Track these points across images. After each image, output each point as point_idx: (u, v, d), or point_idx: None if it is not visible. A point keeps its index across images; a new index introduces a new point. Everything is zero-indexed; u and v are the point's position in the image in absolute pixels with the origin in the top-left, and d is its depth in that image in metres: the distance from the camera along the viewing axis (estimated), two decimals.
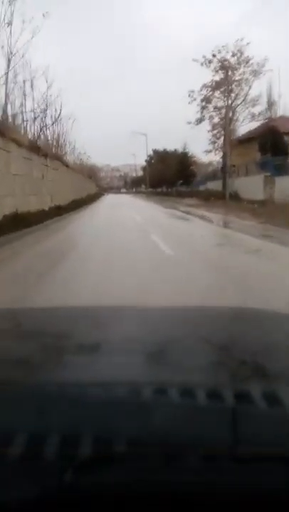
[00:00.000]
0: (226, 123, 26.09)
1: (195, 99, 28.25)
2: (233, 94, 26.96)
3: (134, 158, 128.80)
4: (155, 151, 67.64)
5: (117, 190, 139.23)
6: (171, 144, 77.38)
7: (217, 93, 27.72)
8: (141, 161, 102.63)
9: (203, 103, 28.21)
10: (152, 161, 67.75)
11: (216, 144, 28.99)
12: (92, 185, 57.74)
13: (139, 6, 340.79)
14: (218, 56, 26.10)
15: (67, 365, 0.62)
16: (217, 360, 0.64)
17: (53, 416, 0.43)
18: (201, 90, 27.88)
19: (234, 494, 0.37)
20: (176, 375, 0.55)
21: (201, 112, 28.70)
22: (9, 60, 15.77)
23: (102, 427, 0.42)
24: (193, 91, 28.11)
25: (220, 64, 26.14)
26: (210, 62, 26.21)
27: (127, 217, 17.15)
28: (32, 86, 19.79)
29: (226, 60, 26.10)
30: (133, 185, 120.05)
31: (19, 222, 11.30)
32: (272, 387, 0.51)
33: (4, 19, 15.22)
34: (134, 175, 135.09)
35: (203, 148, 53.57)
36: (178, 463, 0.38)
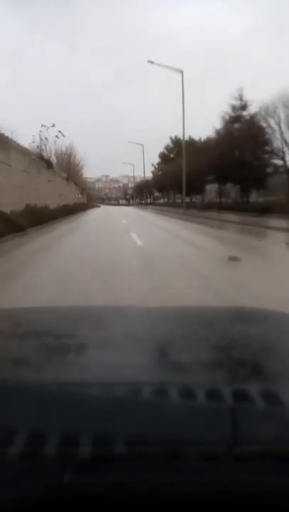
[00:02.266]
0: None
1: None
2: None
3: (133, 169, 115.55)
4: (176, 140, 48.67)
5: (115, 201, 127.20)
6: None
7: None
8: (140, 172, 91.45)
9: None
10: (170, 156, 50.16)
11: None
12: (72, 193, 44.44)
13: (144, 13, 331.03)
14: None
15: (67, 365, 0.62)
16: (216, 359, 0.65)
17: (53, 415, 0.43)
18: None
19: (234, 493, 0.37)
20: (176, 375, 0.56)
21: None
22: None
23: (102, 427, 0.42)
24: None
25: None
26: None
27: None
28: None
29: None
30: (136, 194, 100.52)
31: None
32: (271, 386, 0.51)
33: None
34: (131, 186, 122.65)
35: None
36: (178, 462, 0.38)
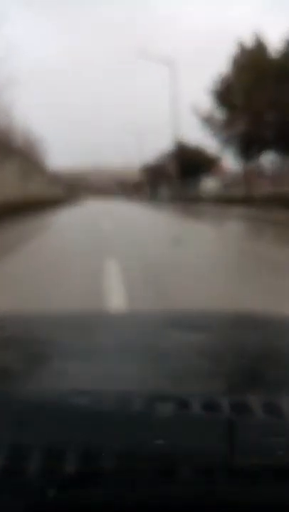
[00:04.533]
0: None
1: None
2: None
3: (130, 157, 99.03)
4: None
5: (106, 193, 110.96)
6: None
7: None
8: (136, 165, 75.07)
9: None
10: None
11: None
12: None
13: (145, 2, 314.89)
14: None
15: (52, 375, 0.60)
16: (213, 368, 0.63)
17: (37, 427, 0.41)
18: None
19: (231, 506, 0.36)
20: (169, 384, 0.55)
21: None
22: None
23: (88, 440, 0.40)
24: None
25: None
26: None
27: None
28: None
29: None
30: (148, 180, 71.85)
31: None
32: (271, 396, 0.49)
33: None
34: (128, 179, 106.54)
35: None
36: (170, 477, 0.36)
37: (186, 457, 0.38)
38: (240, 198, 24.38)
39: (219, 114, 23.18)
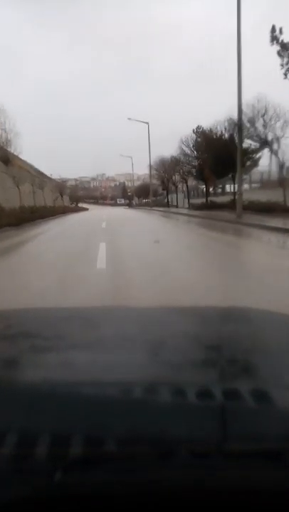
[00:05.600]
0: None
1: None
2: None
3: (132, 165, 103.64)
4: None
5: (112, 201, 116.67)
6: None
7: None
8: (136, 170, 77.75)
9: None
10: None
11: None
12: None
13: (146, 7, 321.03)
14: None
15: (56, 365, 0.62)
16: (207, 358, 0.65)
17: (43, 416, 0.44)
18: None
19: (224, 490, 0.37)
20: (166, 374, 0.57)
21: None
22: None
23: (92, 427, 0.42)
24: None
25: None
26: None
27: None
28: None
29: None
30: (139, 193, 76.34)
31: None
32: (261, 385, 0.52)
33: None
34: (130, 184, 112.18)
35: None
36: (168, 461, 0.38)
37: (183, 442, 0.39)
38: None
39: None
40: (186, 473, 0.38)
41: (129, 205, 76.15)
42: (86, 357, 0.64)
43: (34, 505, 0.36)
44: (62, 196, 49.57)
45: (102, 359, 0.62)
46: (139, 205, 64.39)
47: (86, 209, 62.78)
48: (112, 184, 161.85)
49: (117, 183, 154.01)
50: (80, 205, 78.15)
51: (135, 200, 76.27)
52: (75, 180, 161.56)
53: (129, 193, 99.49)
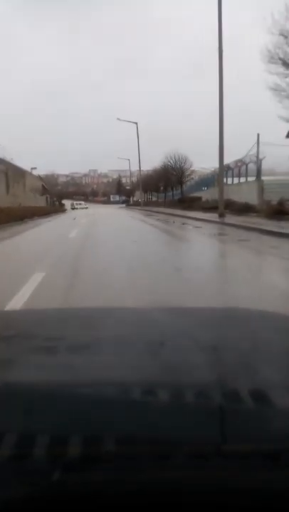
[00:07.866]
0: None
1: None
2: None
3: (129, 162, 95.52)
4: None
5: (104, 198, 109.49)
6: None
7: None
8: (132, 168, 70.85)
9: None
10: None
11: None
12: None
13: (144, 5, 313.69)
14: None
15: (56, 365, 0.63)
16: (207, 359, 0.65)
17: (42, 416, 0.44)
18: None
19: (223, 490, 0.37)
20: (166, 375, 0.56)
21: None
22: None
23: (91, 427, 0.42)
24: None
25: None
26: None
27: None
28: None
29: None
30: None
31: None
32: (261, 385, 0.53)
33: None
34: (126, 181, 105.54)
35: None
36: (167, 461, 0.38)
37: (183, 442, 0.40)
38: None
39: None
40: (185, 474, 0.37)
41: (128, 203, 67.06)
42: (85, 358, 0.65)
43: (34, 504, 0.36)
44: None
45: (101, 360, 0.62)
46: (136, 205, 54.02)
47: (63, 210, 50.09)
48: (105, 180, 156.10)
49: (110, 180, 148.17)
50: (66, 202, 67.11)
51: (137, 196, 63.04)
52: (66, 176, 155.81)
53: (127, 187, 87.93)
